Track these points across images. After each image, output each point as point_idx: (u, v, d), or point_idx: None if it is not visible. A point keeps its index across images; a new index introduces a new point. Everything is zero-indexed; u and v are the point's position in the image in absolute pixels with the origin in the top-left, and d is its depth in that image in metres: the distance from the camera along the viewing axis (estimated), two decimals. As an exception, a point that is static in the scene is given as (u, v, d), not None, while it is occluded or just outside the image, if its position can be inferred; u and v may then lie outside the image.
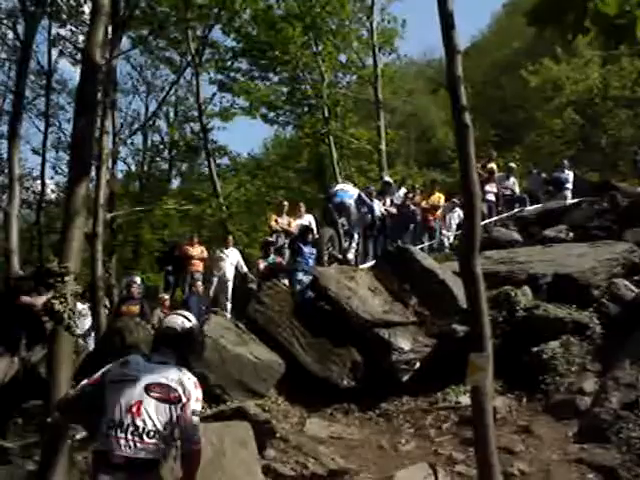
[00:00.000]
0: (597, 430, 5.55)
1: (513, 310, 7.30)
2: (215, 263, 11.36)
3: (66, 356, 4.84)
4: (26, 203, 20.93)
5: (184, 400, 3.16)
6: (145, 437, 3.06)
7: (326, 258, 9.47)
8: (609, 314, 7.26)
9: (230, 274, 11.16)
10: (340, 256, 9.85)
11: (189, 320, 3.44)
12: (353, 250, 10.78)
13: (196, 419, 3.18)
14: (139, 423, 3.08)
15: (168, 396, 3.15)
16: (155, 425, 3.10)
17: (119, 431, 3.06)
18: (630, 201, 10.98)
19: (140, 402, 3.12)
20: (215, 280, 11.11)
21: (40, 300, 7.80)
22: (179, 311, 3.71)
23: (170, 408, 3.14)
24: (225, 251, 11.42)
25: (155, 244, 22.87)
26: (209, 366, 6.41)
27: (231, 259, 11.29)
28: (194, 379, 3.27)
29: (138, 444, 3.05)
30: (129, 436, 3.05)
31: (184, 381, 3.21)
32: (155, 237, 22.99)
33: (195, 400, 3.20)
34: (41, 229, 20.93)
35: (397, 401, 6.90)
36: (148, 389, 3.15)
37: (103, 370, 3.31)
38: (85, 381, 3.36)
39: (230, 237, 12.40)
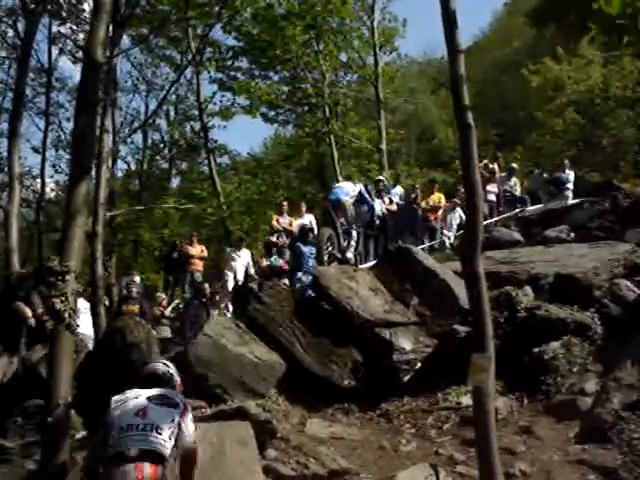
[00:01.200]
0: (598, 431, 5.53)
1: (514, 310, 7.28)
2: (227, 263, 11.46)
3: (66, 355, 4.81)
4: (26, 202, 20.89)
5: (181, 407, 3.74)
6: (155, 432, 3.51)
7: (326, 258, 9.44)
8: (611, 315, 7.24)
9: (241, 275, 11.36)
10: (339, 255, 9.81)
11: (168, 366, 4.15)
12: (352, 249, 10.74)
13: (192, 426, 3.76)
14: (147, 421, 3.56)
15: (169, 402, 3.73)
16: (161, 423, 3.56)
17: (130, 430, 3.51)
18: (631, 201, 10.97)
19: (145, 407, 3.64)
20: (230, 279, 11.19)
21: (29, 312, 7.91)
22: (160, 360, 4.61)
23: (172, 412, 3.67)
24: (238, 252, 11.65)
25: (155, 243, 22.83)
26: (210, 366, 6.40)
27: (243, 260, 11.54)
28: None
29: (150, 437, 3.49)
30: (141, 432, 3.50)
31: (178, 395, 3.92)
32: (155, 236, 22.94)
33: (190, 409, 3.88)
34: (41, 228, 20.90)
35: (398, 401, 6.87)
36: (150, 399, 3.71)
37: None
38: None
39: (243, 240, 12.83)
